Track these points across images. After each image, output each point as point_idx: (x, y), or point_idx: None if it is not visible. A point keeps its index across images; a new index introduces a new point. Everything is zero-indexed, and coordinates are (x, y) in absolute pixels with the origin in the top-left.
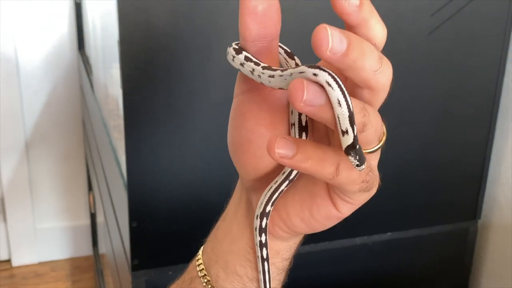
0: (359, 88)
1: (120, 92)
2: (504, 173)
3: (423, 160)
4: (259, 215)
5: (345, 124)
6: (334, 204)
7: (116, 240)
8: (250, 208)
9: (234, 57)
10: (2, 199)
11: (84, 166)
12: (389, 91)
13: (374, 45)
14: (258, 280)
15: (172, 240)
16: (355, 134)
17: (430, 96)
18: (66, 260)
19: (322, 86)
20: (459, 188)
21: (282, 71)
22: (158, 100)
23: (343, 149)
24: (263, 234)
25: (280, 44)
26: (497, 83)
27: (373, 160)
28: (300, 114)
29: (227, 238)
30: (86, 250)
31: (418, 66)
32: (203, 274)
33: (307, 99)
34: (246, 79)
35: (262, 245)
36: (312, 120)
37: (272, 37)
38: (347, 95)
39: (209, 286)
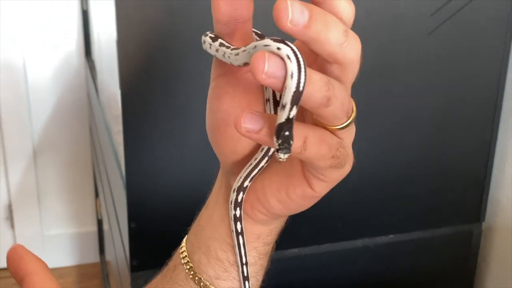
0: (328, 64)
1: (119, 92)
2: (507, 174)
3: (425, 162)
4: (236, 189)
5: (287, 98)
6: (309, 183)
7: (118, 243)
8: (229, 194)
9: (211, 44)
10: (10, 206)
11: (91, 172)
12: (390, 93)
13: (341, 19)
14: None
15: (172, 241)
16: (290, 115)
17: (431, 97)
18: (73, 267)
19: (284, 60)
20: (462, 190)
21: (246, 46)
22: (157, 100)
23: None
24: (238, 208)
25: (253, 29)
26: (499, 83)
27: (347, 138)
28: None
29: (209, 225)
30: (93, 257)
31: (419, 67)
32: (185, 261)
33: (268, 71)
34: (221, 63)
35: (237, 219)
36: None
37: (245, 18)
38: (302, 72)
39: (191, 272)
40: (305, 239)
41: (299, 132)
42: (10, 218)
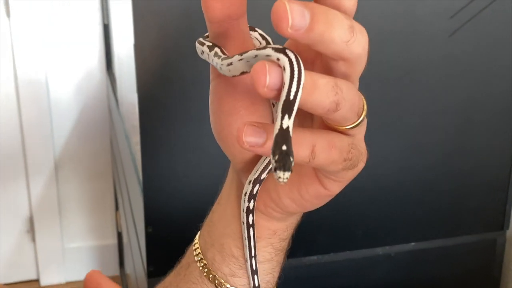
0: (333, 61)
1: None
2: None
3: (447, 168)
4: (252, 181)
5: (278, 107)
6: (322, 183)
7: (136, 251)
8: (241, 190)
9: (203, 51)
10: (31, 219)
11: (111, 185)
12: (410, 96)
13: (344, 12)
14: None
15: (188, 246)
16: (283, 125)
17: (451, 101)
18: None
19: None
20: (485, 197)
21: (241, 54)
22: (173, 105)
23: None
24: (252, 201)
25: (255, 28)
26: None
27: (358, 134)
28: None
29: (221, 221)
30: (113, 270)
31: (439, 70)
32: (199, 258)
33: (270, 84)
34: None
35: (249, 211)
36: None
37: (238, 15)
38: (294, 80)
39: (206, 269)
40: (324, 246)
41: (306, 141)
42: (32, 231)
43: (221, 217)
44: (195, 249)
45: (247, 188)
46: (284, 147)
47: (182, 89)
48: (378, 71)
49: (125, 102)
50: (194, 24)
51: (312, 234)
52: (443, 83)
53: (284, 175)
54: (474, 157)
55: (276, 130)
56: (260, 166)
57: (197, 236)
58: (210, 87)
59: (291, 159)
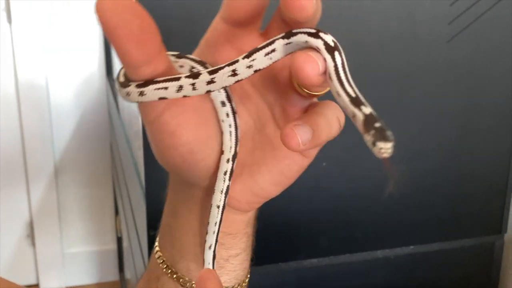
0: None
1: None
2: None
3: (445, 171)
4: (231, 158)
5: (349, 106)
6: (303, 154)
7: (137, 256)
8: (205, 201)
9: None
10: (31, 224)
11: (111, 191)
12: (409, 101)
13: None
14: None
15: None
16: (365, 113)
17: (450, 105)
18: (93, 285)
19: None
20: (483, 201)
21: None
22: None
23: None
24: (230, 180)
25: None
26: None
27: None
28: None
29: (188, 234)
30: (113, 275)
31: (437, 75)
32: (169, 271)
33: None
34: (155, 102)
35: (227, 192)
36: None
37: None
38: (344, 82)
39: (181, 279)
40: (325, 249)
41: (332, 114)
42: (31, 235)
43: (186, 230)
44: (161, 263)
45: (227, 166)
46: (377, 124)
47: None
48: (378, 75)
49: (126, 107)
50: (197, 29)
51: (312, 238)
52: (441, 87)
53: (386, 145)
54: (473, 161)
55: (360, 120)
56: (231, 143)
57: (156, 249)
58: (149, 130)
59: (389, 132)
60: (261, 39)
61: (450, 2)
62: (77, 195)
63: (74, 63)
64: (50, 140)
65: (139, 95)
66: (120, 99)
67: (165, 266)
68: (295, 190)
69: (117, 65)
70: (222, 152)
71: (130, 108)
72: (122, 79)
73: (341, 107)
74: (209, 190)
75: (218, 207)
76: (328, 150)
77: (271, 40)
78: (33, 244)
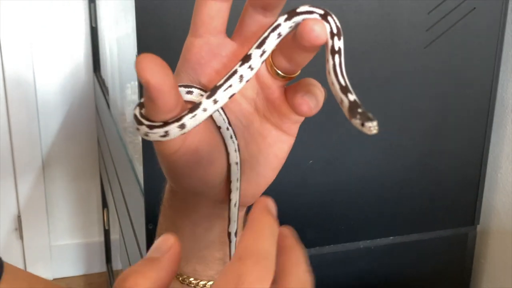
0: None
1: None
2: (500, 180)
3: (423, 168)
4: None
5: (339, 92)
6: (289, 133)
7: (133, 248)
8: (214, 211)
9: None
10: (19, 217)
11: (98, 184)
12: (389, 102)
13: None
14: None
15: None
16: (350, 99)
17: (427, 107)
18: (80, 276)
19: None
20: (458, 195)
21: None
22: None
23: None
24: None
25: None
26: (491, 94)
27: None
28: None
29: (192, 242)
30: (99, 267)
31: (415, 79)
32: (176, 275)
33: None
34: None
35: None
36: None
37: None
38: (338, 72)
39: (188, 280)
40: (311, 241)
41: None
42: (19, 228)
43: (192, 239)
44: None
45: (236, 155)
46: (360, 110)
47: None
48: (360, 80)
49: (116, 104)
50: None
51: (299, 230)
52: (419, 91)
53: (373, 124)
54: (448, 158)
55: (346, 105)
56: (234, 145)
57: None
58: (167, 165)
59: (371, 114)
60: (235, 43)
61: (428, 10)
62: (64, 189)
63: (61, 59)
64: (38, 135)
65: (163, 136)
66: (111, 97)
67: None
68: (284, 186)
69: (105, 63)
70: (228, 155)
71: (121, 107)
72: (145, 122)
73: (332, 92)
74: (217, 201)
75: (237, 163)
76: (315, 149)
77: (276, 23)
78: (21, 237)
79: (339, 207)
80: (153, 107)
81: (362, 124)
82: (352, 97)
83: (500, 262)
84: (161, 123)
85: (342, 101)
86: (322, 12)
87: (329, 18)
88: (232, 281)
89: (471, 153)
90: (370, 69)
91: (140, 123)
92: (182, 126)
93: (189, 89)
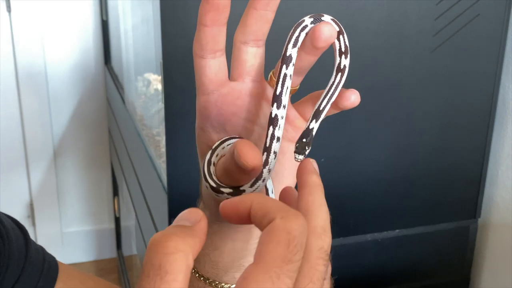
0: None
1: (162, 106)
2: (500, 176)
3: (428, 165)
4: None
5: (311, 115)
6: (291, 140)
7: (150, 233)
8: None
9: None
10: (32, 205)
11: (109, 173)
12: (397, 103)
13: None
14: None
15: None
16: (309, 126)
17: (433, 108)
18: (91, 262)
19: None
20: (460, 190)
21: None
22: (195, 112)
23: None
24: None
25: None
26: (493, 95)
27: None
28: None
29: (232, 256)
30: (110, 252)
31: (422, 81)
32: (213, 284)
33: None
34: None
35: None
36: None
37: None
38: (327, 97)
39: (219, 286)
40: None
41: None
42: (32, 216)
43: (232, 254)
44: (203, 279)
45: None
46: (304, 140)
47: None
48: (370, 82)
49: (130, 99)
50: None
51: None
52: (425, 92)
53: (298, 157)
54: (452, 156)
55: (304, 128)
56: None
57: (193, 275)
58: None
59: (307, 149)
60: (239, 81)
61: (435, 17)
62: (75, 177)
63: (72, 52)
64: (49, 125)
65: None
66: (126, 92)
67: (207, 280)
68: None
69: (118, 57)
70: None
71: (133, 102)
72: (226, 190)
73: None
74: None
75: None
76: (326, 148)
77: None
78: (33, 224)
79: (348, 202)
80: (247, 178)
81: (295, 151)
82: (313, 124)
83: (499, 253)
84: (242, 189)
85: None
86: (338, 29)
87: (340, 36)
88: (284, 238)
89: (474, 151)
90: (380, 72)
91: (221, 192)
92: (263, 180)
93: (230, 142)
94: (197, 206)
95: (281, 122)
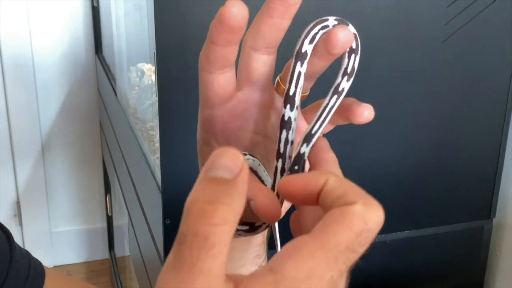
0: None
1: (156, 99)
2: None
3: (439, 161)
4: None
5: (301, 138)
6: None
7: (145, 238)
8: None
9: None
10: (18, 203)
11: (101, 169)
12: (406, 96)
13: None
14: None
15: None
16: (300, 151)
17: (444, 101)
18: (81, 263)
19: None
20: (474, 188)
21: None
22: (191, 106)
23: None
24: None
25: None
26: (509, 88)
27: None
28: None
29: (247, 259)
30: (101, 253)
31: (433, 73)
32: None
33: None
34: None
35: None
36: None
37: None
38: (319, 121)
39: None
40: None
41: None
42: (18, 215)
43: (228, 261)
44: None
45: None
46: (296, 167)
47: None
48: (377, 74)
49: (122, 91)
50: None
51: None
52: (436, 85)
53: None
54: (464, 152)
55: (295, 153)
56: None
57: None
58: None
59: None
60: (244, 90)
61: (447, 3)
62: (65, 174)
63: (61, 40)
64: (37, 118)
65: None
66: (118, 84)
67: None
68: None
69: (110, 46)
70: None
71: (125, 95)
72: (242, 228)
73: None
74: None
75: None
76: (332, 145)
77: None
78: (20, 224)
79: None
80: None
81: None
82: (304, 149)
83: None
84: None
85: (296, 146)
86: (354, 46)
87: (352, 55)
88: (358, 226)
89: (488, 147)
90: (388, 63)
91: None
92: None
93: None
94: None
95: (294, 124)
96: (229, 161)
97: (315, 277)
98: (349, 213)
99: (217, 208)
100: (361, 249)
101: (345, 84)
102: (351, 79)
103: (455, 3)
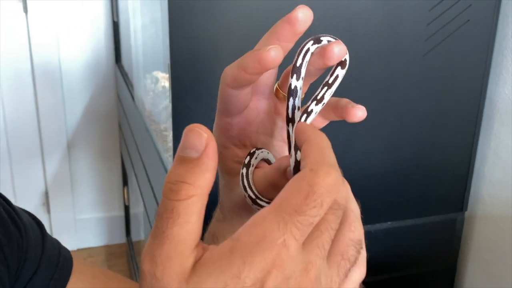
0: None
1: (169, 104)
2: (487, 172)
3: (419, 161)
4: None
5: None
6: None
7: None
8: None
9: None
10: (47, 193)
11: (119, 164)
12: (391, 104)
13: None
14: None
15: None
16: (296, 158)
17: (425, 108)
18: (102, 247)
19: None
20: (449, 185)
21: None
22: (200, 109)
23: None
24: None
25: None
26: (481, 97)
27: None
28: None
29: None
30: (119, 238)
31: (414, 83)
32: None
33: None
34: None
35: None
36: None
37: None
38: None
39: None
40: None
41: None
42: (47, 204)
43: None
44: None
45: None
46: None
47: (211, 99)
48: (365, 83)
49: (139, 97)
50: (222, 45)
51: None
52: (417, 94)
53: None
54: (441, 154)
55: (292, 163)
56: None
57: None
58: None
59: None
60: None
61: (427, 22)
62: (88, 168)
63: (85, 51)
64: (63, 119)
65: None
66: (136, 90)
67: None
68: None
69: (128, 57)
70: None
71: (142, 100)
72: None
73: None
74: None
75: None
76: None
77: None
78: (48, 211)
79: None
80: None
81: None
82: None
83: (484, 244)
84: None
85: (292, 155)
86: (344, 59)
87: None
88: (305, 189)
89: (462, 148)
90: (374, 74)
91: (259, 205)
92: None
93: (258, 152)
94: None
95: (299, 92)
96: (195, 140)
97: (266, 241)
98: (298, 178)
99: (181, 187)
100: (313, 211)
101: (325, 93)
102: (332, 89)
103: (434, 22)
